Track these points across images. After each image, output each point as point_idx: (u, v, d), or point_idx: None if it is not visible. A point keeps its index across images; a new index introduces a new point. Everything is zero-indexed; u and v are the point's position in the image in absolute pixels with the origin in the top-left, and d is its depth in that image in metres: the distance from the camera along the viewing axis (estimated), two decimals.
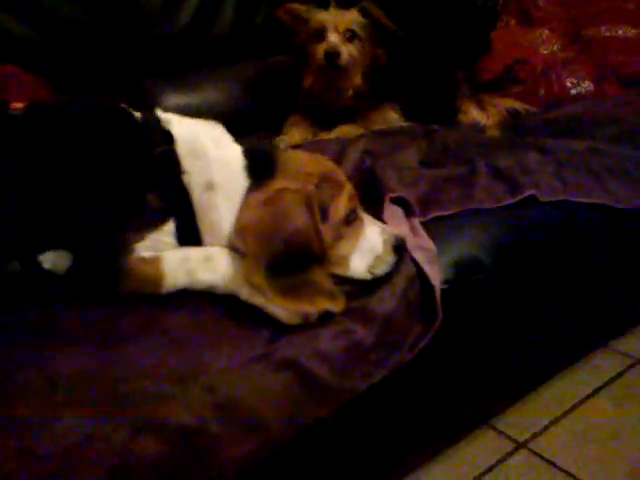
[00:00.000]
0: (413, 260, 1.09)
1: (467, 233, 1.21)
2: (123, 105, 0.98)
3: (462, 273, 1.16)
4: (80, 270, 0.92)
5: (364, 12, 1.74)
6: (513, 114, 1.92)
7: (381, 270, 1.03)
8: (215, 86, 1.86)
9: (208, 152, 0.96)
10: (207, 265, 0.93)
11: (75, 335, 0.87)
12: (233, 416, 0.85)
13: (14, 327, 0.89)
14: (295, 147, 1.56)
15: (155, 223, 0.93)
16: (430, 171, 1.34)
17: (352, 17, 1.72)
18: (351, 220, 1.01)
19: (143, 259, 0.92)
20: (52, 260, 0.94)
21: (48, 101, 1.22)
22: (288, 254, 0.91)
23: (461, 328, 1.17)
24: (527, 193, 1.26)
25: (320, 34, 1.70)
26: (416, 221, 1.18)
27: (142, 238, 0.92)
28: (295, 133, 1.78)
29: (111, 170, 0.91)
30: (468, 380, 1.30)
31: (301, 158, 1.05)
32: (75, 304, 0.92)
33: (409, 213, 1.19)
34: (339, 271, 1.01)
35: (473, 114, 1.90)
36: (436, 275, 1.10)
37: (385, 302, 1.01)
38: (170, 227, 0.95)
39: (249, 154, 0.99)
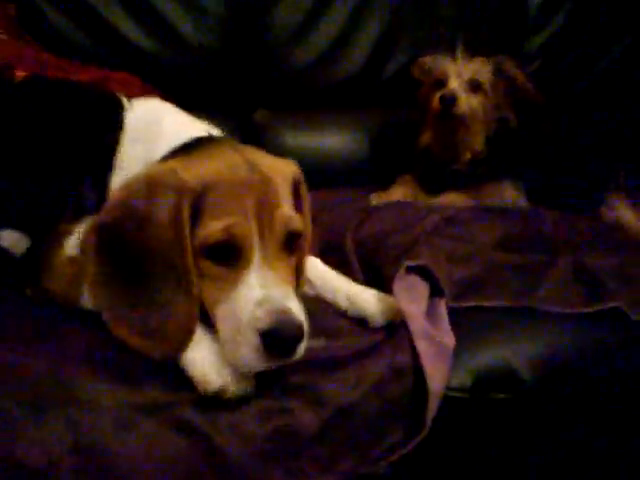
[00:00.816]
0: (414, 349, 0.86)
1: (509, 335, 0.94)
2: (119, 95, 0.93)
3: (485, 384, 0.90)
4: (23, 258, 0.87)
5: (497, 67, 1.53)
6: None
7: (238, 352, 0.71)
8: (334, 129, 1.76)
9: (157, 137, 0.85)
10: None
11: None
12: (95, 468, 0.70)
13: None
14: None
15: (86, 215, 0.83)
16: (497, 251, 1.08)
17: (479, 67, 1.52)
18: (227, 261, 0.74)
19: (65, 263, 0.82)
20: (10, 239, 0.90)
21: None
22: (136, 243, 0.73)
23: (467, 448, 0.90)
24: (611, 304, 0.96)
25: (441, 82, 1.53)
26: (442, 304, 0.94)
27: (71, 232, 0.82)
28: (397, 192, 1.60)
29: (55, 155, 0.85)
30: None
31: (232, 153, 0.80)
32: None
33: (437, 293, 0.96)
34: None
35: (620, 211, 1.56)
36: (438, 376, 0.86)
37: (344, 391, 0.79)
38: None
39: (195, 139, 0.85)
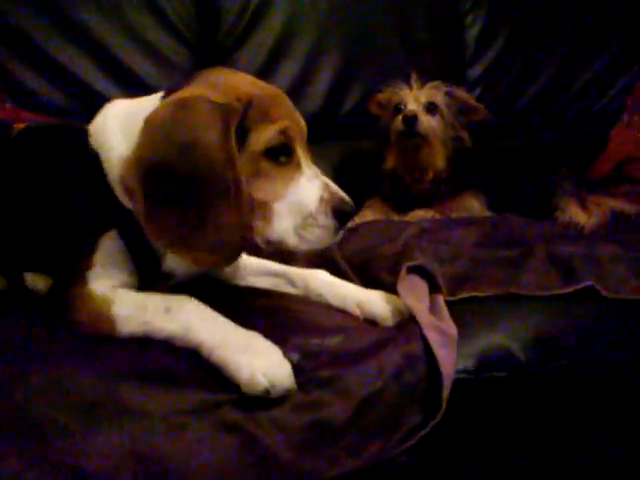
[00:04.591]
0: (424, 339, 0.95)
1: (501, 320, 1.04)
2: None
3: (486, 365, 0.99)
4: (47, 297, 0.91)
5: (449, 91, 1.67)
6: (620, 215, 1.70)
7: (313, 235, 0.85)
8: None
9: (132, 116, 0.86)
10: (166, 316, 0.83)
11: None
12: (153, 472, 0.74)
13: None
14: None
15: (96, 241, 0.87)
16: (477, 250, 1.19)
17: (433, 91, 1.66)
18: (282, 161, 0.85)
19: (92, 295, 0.85)
20: (32, 279, 0.94)
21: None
22: (183, 170, 0.77)
23: (473, 429, 0.98)
24: (584, 284, 1.07)
25: (400, 108, 1.65)
26: (440, 299, 1.03)
27: (93, 265, 0.86)
28: (368, 214, 1.70)
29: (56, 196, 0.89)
30: None
31: (233, 75, 0.89)
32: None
33: (434, 289, 1.05)
34: (260, 225, 0.85)
35: (572, 212, 1.70)
36: (449, 361, 0.94)
37: (368, 380, 0.87)
38: (114, 242, 0.87)
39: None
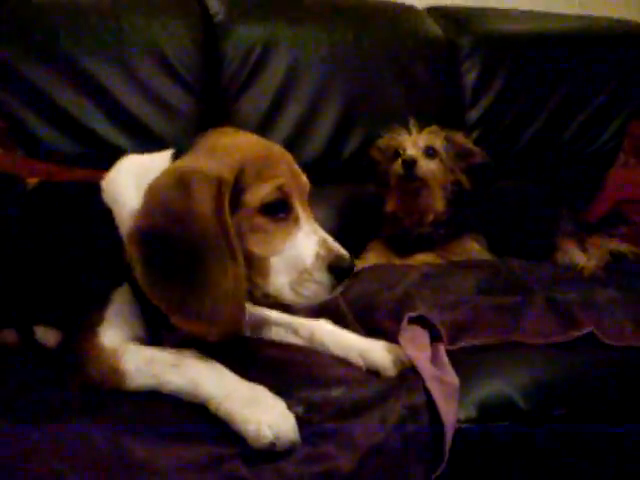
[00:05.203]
0: (426, 390, 0.96)
1: (502, 369, 1.06)
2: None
3: (487, 414, 1.00)
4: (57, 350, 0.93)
5: (447, 136, 1.71)
6: (618, 257, 1.72)
7: (310, 291, 0.87)
8: None
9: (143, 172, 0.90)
10: (175, 371, 0.85)
11: None
12: None
13: None
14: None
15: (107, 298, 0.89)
16: (477, 297, 1.21)
17: (432, 136, 1.70)
18: (280, 217, 0.88)
19: (103, 349, 0.87)
20: (43, 332, 0.96)
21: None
22: (179, 241, 0.80)
23: (476, 478, 0.99)
24: (584, 331, 1.09)
25: (399, 153, 1.69)
26: (442, 348, 1.05)
27: (104, 319, 0.88)
28: (371, 257, 1.73)
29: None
30: None
31: (232, 138, 0.92)
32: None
33: (435, 339, 1.07)
34: (258, 279, 0.88)
35: (572, 254, 1.73)
36: (451, 412, 0.96)
37: (371, 432, 0.88)
38: (125, 296, 0.90)
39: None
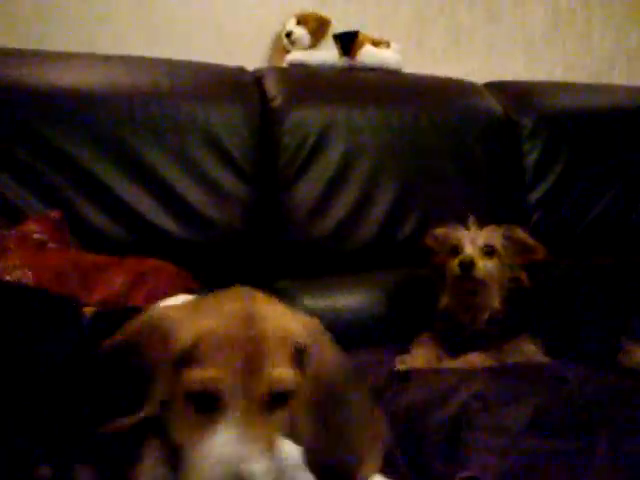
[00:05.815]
0: None
1: None
2: None
3: None
4: None
5: (506, 232, 1.65)
6: None
7: None
8: (349, 290, 1.85)
9: None
10: None
11: None
12: None
13: None
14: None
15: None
16: (531, 439, 1.14)
17: (491, 234, 1.64)
18: (207, 411, 0.75)
19: None
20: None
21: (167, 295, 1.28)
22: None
23: None
24: None
25: (456, 249, 1.64)
26: None
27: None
28: (420, 353, 1.67)
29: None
30: None
31: (231, 303, 0.81)
32: None
33: None
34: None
35: (637, 359, 1.64)
36: None
37: None
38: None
39: None
